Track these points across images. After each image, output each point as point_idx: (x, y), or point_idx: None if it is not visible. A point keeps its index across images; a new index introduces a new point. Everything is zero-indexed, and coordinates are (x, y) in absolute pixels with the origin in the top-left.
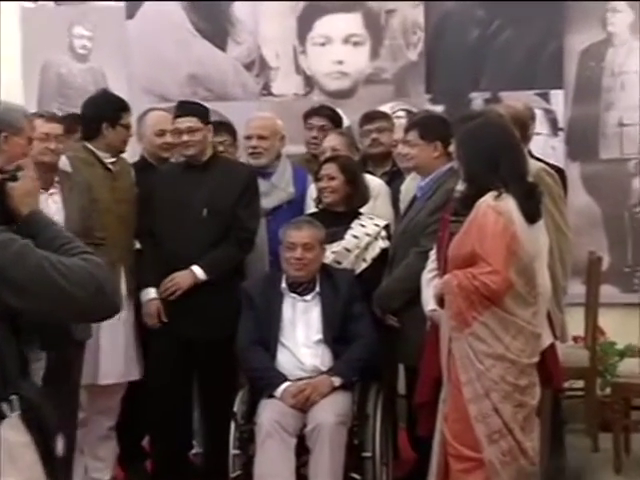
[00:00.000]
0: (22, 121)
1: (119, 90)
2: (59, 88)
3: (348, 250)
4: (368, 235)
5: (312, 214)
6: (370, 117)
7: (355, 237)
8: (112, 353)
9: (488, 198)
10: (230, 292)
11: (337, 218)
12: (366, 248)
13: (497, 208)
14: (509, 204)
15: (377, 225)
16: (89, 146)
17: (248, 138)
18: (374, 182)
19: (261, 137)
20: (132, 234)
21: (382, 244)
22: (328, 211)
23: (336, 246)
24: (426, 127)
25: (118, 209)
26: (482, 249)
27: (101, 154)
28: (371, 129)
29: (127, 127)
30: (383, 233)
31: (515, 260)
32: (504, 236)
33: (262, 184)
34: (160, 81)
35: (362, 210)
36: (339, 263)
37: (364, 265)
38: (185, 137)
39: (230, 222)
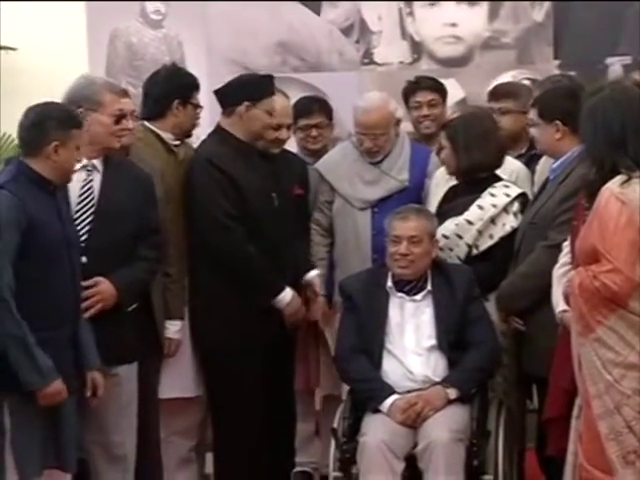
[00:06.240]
0: (103, 94)
1: (198, 60)
2: (129, 60)
3: (470, 222)
4: (494, 206)
5: (453, 186)
6: (494, 93)
7: (480, 208)
8: (174, 365)
9: (612, 184)
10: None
11: (477, 185)
12: (493, 222)
13: (622, 196)
14: (638, 190)
15: (508, 195)
16: (148, 125)
17: (360, 135)
18: (512, 165)
19: (375, 137)
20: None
21: (514, 222)
22: (467, 179)
23: (461, 218)
24: (545, 103)
25: (181, 197)
26: (603, 244)
27: (164, 135)
28: (494, 108)
29: (197, 107)
30: (515, 207)
31: None
32: (629, 229)
33: (369, 172)
34: (244, 50)
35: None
36: (460, 237)
37: (489, 242)
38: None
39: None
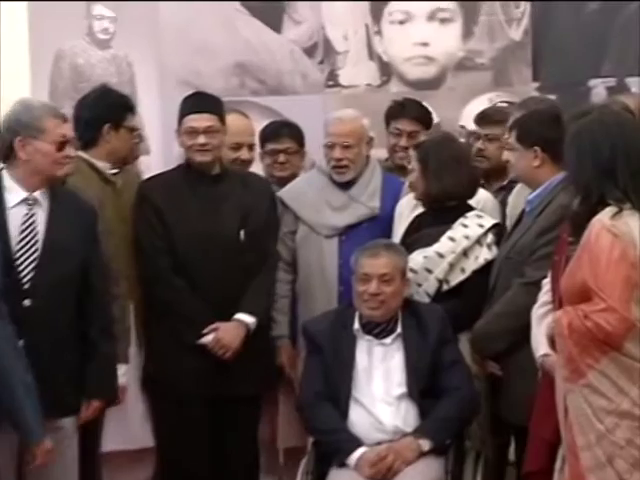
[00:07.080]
0: (44, 119)
1: (149, 82)
2: (74, 82)
3: (441, 255)
4: (467, 238)
5: (420, 214)
6: (483, 118)
7: (452, 239)
8: (119, 413)
9: (603, 216)
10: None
11: (446, 215)
12: (465, 254)
13: (613, 229)
14: (630, 223)
15: (481, 226)
16: (82, 154)
17: (329, 147)
18: (479, 195)
19: (347, 147)
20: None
21: (487, 254)
22: (435, 207)
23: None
24: (525, 127)
25: (121, 229)
26: (595, 281)
27: (100, 164)
28: (480, 135)
29: (132, 130)
30: (490, 238)
31: (638, 294)
32: (622, 265)
33: (338, 198)
34: (199, 71)
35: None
36: (430, 271)
37: (461, 277)
38: (202, 139)
39: (263, 247)
